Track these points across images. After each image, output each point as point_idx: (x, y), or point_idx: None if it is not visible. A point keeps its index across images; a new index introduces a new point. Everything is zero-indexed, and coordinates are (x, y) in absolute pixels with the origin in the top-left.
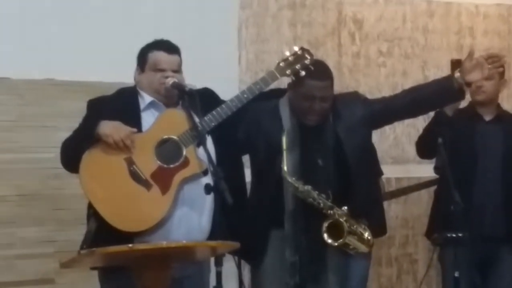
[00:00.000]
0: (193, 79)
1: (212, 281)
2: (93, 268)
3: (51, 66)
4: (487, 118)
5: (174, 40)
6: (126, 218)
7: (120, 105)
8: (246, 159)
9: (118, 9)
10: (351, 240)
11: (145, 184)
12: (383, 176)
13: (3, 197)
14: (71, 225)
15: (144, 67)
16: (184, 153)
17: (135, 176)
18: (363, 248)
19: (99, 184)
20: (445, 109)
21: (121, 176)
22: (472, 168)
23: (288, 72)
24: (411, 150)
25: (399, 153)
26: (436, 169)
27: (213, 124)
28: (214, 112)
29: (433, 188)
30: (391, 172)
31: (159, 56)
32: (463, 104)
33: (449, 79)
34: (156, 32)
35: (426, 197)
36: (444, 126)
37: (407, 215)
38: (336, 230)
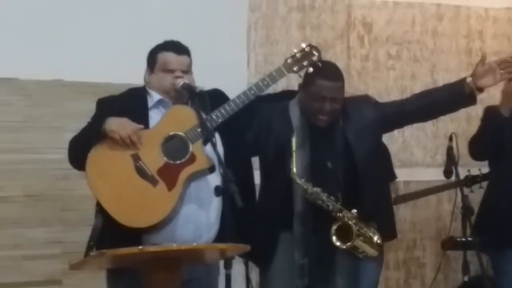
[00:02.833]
0: (202, 81)
1: (221, 284)
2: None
3: (59, 66)
4: None
5: (183, 41)
6: (132, 214)
7: (129, 103)
8: (255, 160)
9: (127, 11)
10: (360, 244)
11: (151, 180)
12: None
13: (11, 197)
14: (79, 226)
15: (153, 67)
16: (191, 149)
17: (141, 172)
18: (372, 252)
19: (105, 181)
20: (500, 109)
21: (127, 172)
22: None
23: (295, 68)
24: (420, 153)
25: (408, 157)
26: (446, 172)
27: (220, 120)
28: (221, 109)
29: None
30: (400, 176)
31: (169, 57)
32: None
33: (460, 84)
34: (165, 33)
35: (434, 201)
36: (498, 127)
37: (415, 218)
38: (345, 233)
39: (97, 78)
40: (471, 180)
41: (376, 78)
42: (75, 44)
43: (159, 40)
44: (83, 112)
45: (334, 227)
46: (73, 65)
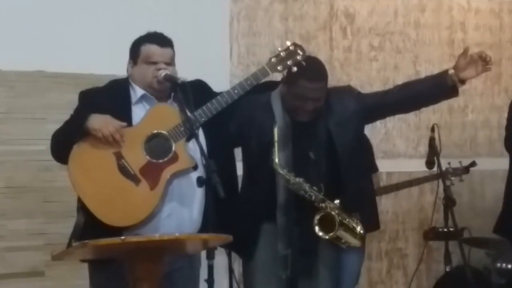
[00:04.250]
0: (185, 72)
1: (204, 274)
2: (83, 261)
3: (41, 57)
4: None
5: (166, 33)
6: (113, 213)
7: (111, 97)
8: (238, 152)
9: (109, 2)
10: (343, 234)
11: (134, 179)
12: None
13: None
14: (62, 218)
15: (136, 60)
16: (173, 148)
17: (124, 171)
18: (355, 242)
19: (87, 178)
20: None
21: (109, 171)
22: None
23: (279, 68)
24: (402, 145)
25: (390, 148)
26: (428, 163)
27: (203, 119)
28: (204, 108)
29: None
30: (382, 167)
31: (152, 49)
32: None
33: (443, 76)
34: (148, 24)
35: (416, 192)
36: None
37: (398, 209)
38: (327, 223)
39: (80, 69)
40: (451, 173)
41: (359, 69)
42: (57, 35)
43: (142, 31)
44: (66, 103)
45: (316, 217)
46: (55, 56)
